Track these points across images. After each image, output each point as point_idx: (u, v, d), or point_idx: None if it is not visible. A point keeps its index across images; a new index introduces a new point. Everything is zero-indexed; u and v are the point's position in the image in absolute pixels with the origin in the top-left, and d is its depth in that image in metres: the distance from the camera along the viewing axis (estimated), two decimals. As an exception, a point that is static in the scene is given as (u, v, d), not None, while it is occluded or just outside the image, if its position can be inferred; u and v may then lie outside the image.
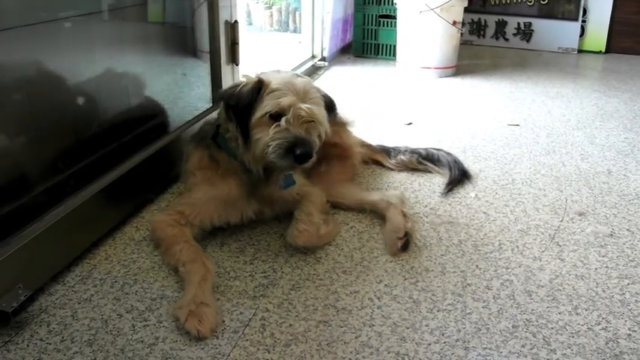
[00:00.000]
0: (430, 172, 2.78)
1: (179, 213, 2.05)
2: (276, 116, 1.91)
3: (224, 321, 1.70)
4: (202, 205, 2.06)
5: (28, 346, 1.59)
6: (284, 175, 2.09)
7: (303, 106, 1.92)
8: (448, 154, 2.83)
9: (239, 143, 1.99)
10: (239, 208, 2.11)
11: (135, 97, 2.49)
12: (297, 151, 1.87)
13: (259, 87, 1.95)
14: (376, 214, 2.32)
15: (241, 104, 1.94)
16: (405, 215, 2.20)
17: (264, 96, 1.94)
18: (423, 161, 2.78)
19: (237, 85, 2.01)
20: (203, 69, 2.90)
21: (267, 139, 1.89)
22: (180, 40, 2.89)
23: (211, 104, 2.89)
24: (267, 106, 1.91)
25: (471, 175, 2.75)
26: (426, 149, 2.84)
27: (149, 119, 2.51)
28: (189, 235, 2.02)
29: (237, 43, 2.93)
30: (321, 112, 1.98)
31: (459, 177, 2.70)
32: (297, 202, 2.17)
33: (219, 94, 2.02)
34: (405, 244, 2.08)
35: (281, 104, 1.91)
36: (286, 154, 1.88)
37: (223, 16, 2.82)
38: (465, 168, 2.78)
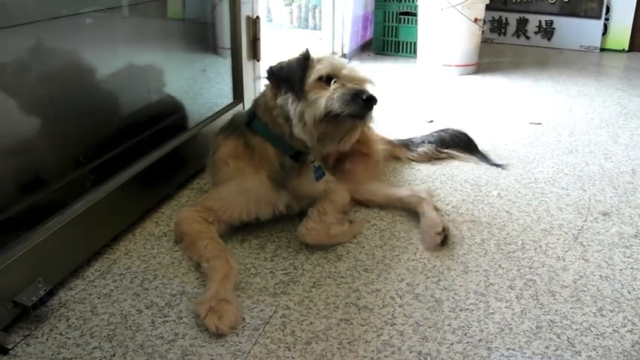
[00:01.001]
0: (453, 158, 2.85)
1: (207, 209, 2.05)
2: (327, 80, 1.93)
3: (244, 318, 1.69)
4: (233, 200, 2.05)
5: (47, 340, 1.59)
6: (314, 167, 2.10)
7: (354, 67, 2.00)
8: (455, 133, 2.95)
9: (290, 114, 1.95)
10: (270, 202, 2.09)
11: (154, 93, 2.49)
12: (363, 96, 1.87)
13: (307, 57, 1.98)
14: (405, 210, 2.30)
15: (294, 72, 1.95)
16: (437, 210, 2.19)
17: (313, 64, 1.96)
18: (441, 149, 2.85)
19: (281, 61, 2.03)
20: (223, 65, 2.89)
21: (330, 93, 1.88)
22: (200, 37, 2.88)
23: (232, 100, 2.88)
24: (320, 69, 1.94)
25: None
26: (437, 136, 2.91)
27: (168, 115, 2.51)
28: (215, 232, 2.01)
29: (259, 39, 2.92)
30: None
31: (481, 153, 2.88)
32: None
33: (267, 71, 2.02)
34: (444, 239, 2.07)
35: (336, 65, 1.96)
36: (354, 100, 1.87)
37: (245, 11, 2.80)
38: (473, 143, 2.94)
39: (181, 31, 2.80)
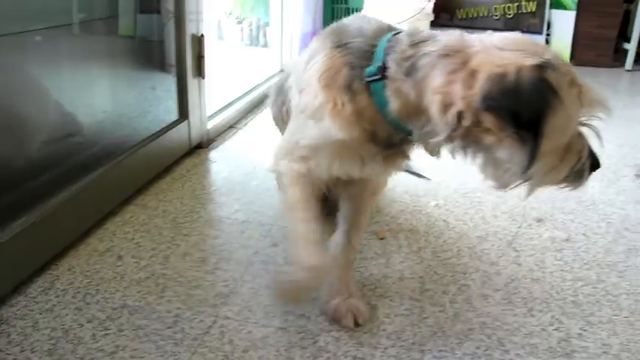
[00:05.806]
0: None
1: (304, 159, 1.56)
2: None
3: (184, 329, 1.72)
4: (321, 150, 1.53)
5: (-14, 356, 1.60)
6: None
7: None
8: None
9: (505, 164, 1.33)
10: (360, 155, 1.54)
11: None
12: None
13: (545, 77, 1.20)
14: None
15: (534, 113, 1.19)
16: None
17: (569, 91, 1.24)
18: None
19: (503, 76, 1.20)
20: (172, 83, 2.92)
21: (581, 164, 1.37)
22: (150, 54, 2.92)
23: (178, 117, 2.91)
24: (580, 109, 1.29)
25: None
26: None
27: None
28: (315, 206, 1.62)
29: (204, 57, 2.96)
30: None
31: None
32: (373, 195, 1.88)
33: (491, 97, 1.20)
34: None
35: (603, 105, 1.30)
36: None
37: (190, 29, 2.85)
38: None
39: (132, 48, 2.84)
